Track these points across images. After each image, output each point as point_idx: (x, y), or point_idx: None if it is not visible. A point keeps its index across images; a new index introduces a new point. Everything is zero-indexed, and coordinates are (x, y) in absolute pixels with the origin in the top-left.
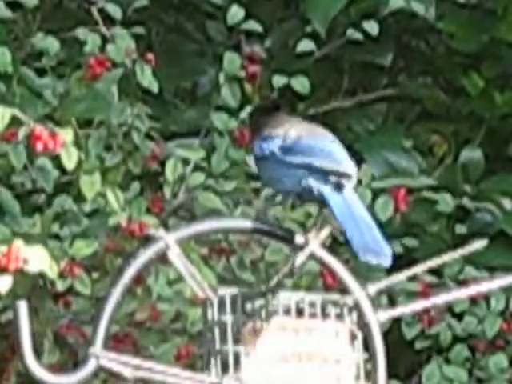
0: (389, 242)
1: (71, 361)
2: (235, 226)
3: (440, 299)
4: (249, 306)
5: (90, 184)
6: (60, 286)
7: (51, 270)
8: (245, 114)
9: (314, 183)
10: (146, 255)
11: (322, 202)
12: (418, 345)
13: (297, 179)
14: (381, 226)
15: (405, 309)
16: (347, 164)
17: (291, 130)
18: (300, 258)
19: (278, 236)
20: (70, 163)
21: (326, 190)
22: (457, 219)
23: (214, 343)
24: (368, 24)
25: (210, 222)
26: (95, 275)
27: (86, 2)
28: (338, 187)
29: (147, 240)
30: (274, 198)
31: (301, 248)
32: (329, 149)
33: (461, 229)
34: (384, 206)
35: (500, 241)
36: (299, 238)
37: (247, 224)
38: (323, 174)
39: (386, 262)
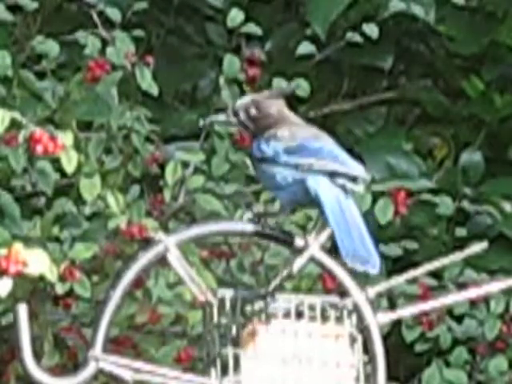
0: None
1: (71, 363)
2: (235, 228)
3: (440, 302)
4: (248, 309)
5: (89, 187)
6: (60, 289)
7: (51, 272)
8: None
9: (313, 184)
10: (145, 258)
11: (318, 205)
12: (418, 348)
13: (299, 182)
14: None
15: (405, 311)
16: (357, 167)
17: (298, 132)
18: (300, 261)
19: (278, 239)
20: (69, 166)
21: (324, 193)
22: (457, 222)
23: (213, 346)
24: (368, 27)
25: (209, 224)
26: (95, 278)
27: (85, 6)
28: (345, 190)
29: (147, 243)
30: (274, 201)
31: (301, 251)
32: (336, 152)
33: (461, 231)
34: (384, 208)
35: (500, 243)
36: (299, 241)
37: (247, 227)
38: (329, 176)
39: (374, 270)
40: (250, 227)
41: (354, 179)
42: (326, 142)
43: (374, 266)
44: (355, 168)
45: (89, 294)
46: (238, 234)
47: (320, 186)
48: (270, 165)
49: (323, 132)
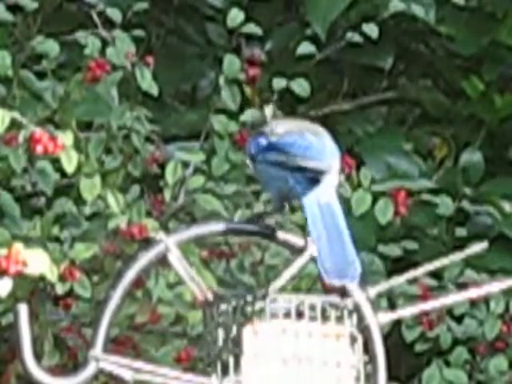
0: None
1: (71, 363)
2: (235, 228)
3: (440, 302)
4: (249, 309)
5: (89, 187)
6: (60, 289)
7: (51, 272)
8: (245, 116)
9: (293, 182)
10: (146, 258)
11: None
12: (418, 347)
13: (283, 180)
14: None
15: (405, 311)
16: (325, 159)
17: (277, 127)
18: (300, 261)
19: (278, 239)
20: (69, 166)
21: (304, 194)
22: (457, 222)
23: (214, 346)
24: (368, 27)
25: (209, 224)
26: (95, 278)
27: (85, 6)
28: (315, 182)
29: (147, 243)
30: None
31: (301, 251)
32: (306, 144)
33: (461, 232)
34: (384, 208)
35: (500, 244)
36: (299, 241)
37: (247, 227)
38: (301, 172)
39: (353, 282)
40: (250, 227)
41: (322, 172)
42: (302, 135)
43: (353, 278)
44: (323, 160)
45: (89, 293)
46: (238, 233)
47: (299, 185)
48: (258, 162)
49: (309, 122)
